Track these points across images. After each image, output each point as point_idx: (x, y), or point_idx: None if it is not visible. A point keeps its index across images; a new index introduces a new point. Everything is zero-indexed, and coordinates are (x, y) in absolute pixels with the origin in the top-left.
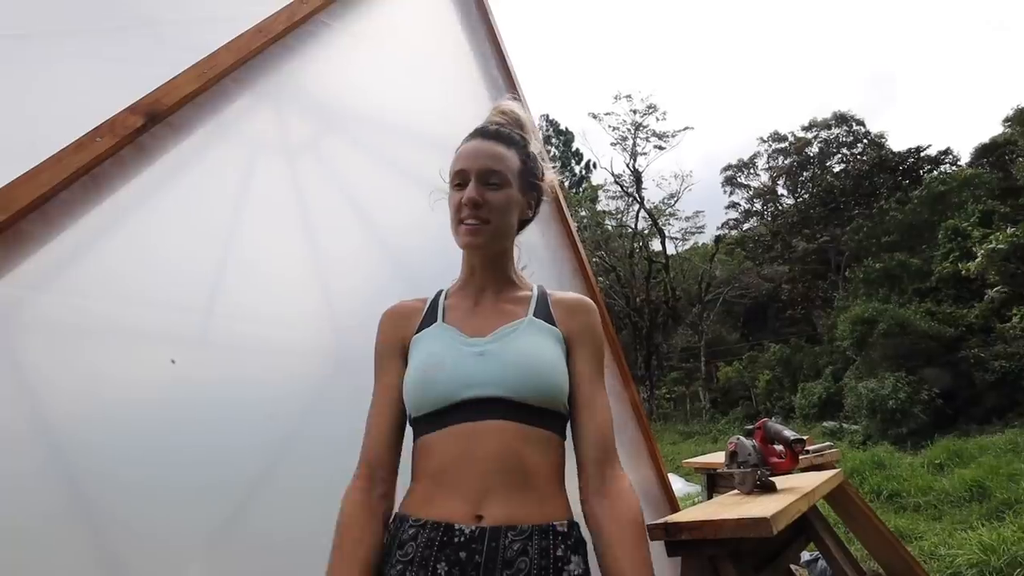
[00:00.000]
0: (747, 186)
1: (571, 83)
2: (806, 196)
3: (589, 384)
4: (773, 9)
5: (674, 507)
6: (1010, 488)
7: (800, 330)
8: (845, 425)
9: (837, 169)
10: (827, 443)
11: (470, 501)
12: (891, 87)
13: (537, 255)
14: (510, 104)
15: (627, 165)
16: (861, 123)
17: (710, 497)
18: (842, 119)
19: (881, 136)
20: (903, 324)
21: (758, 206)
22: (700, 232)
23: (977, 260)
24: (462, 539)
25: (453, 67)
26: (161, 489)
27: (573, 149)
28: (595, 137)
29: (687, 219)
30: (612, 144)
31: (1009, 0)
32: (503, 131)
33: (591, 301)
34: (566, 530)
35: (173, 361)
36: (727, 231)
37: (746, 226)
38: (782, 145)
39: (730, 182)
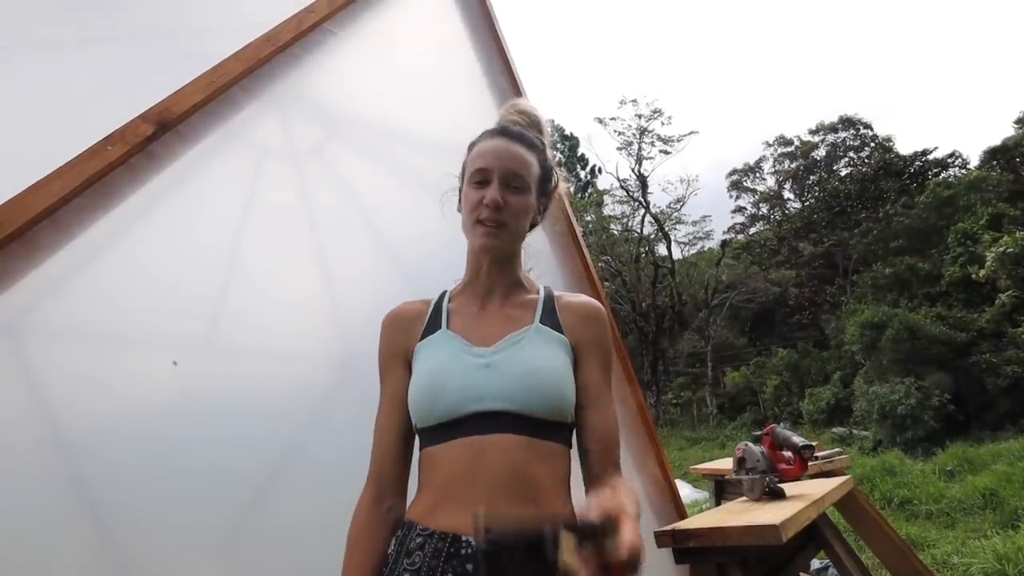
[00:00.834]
0: (753, 190)
1: (576, 88)
2: (813, 200)
3: (596, 392)
4: (778, 13)
5: (681, 514)
6: None
7: (808, 335)
8: (854, 431)
9: (844, 173)
10: (836, 449)
11: None
12: (898, 90)
13: (543, 259)
14: (527, 104)
15: (632, 170)
16: (868, 126)
17: (718, 504)
18: (849, 122)
19: (888, 139)
20: (913, 329)
21: (764, 210)
22: (707, 237)
23: (987, 264)
24: (469, 551)
25: (458, 74)
26: (169, 493)
27: (578, 154)
28: (600, 142)
29: (693, 224)
30: (618, 149)
31: (1018, 2)
32: (527, 135)
33: (600, 305)
34: None
35: (175, 363)
36: (733, 235)
37: (752, 230)
38: (788, 149)
39: (736, 186)
